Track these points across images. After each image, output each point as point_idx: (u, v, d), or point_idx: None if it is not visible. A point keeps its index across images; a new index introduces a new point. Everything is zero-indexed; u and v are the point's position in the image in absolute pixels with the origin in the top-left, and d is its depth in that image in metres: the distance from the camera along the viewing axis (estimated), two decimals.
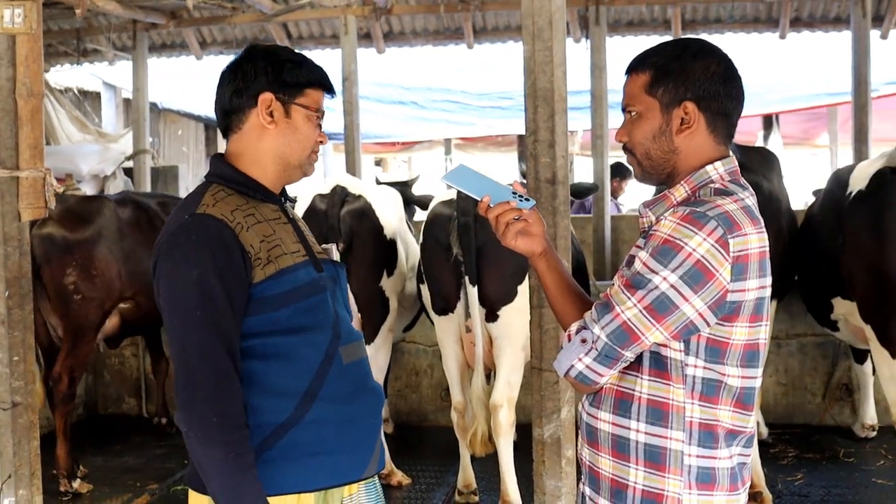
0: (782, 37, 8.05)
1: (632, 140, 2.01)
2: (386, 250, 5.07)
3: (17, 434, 3.50)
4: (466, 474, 4.95)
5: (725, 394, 1.89)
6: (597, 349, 1.87)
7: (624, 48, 8.17)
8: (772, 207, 4.53)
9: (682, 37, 2.23)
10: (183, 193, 8.58)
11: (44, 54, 9.34)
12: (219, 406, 1.92)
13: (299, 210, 5.07)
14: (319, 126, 2.15)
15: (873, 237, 4.35)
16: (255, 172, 2.13)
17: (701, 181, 1.94)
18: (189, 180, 9.20)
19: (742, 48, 8.37)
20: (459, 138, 11.79)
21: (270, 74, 2.09)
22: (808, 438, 5.91)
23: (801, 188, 8.22)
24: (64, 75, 10.12)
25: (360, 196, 5.03)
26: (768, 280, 1.91)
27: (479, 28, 8.45)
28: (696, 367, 1.88)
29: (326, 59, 9.14)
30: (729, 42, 8.43)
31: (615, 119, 8.84)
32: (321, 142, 2.16)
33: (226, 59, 8.26)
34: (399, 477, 5.27)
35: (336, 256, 2.31)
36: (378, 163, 16.93)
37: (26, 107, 3.47)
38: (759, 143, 9.83)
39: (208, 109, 9.66)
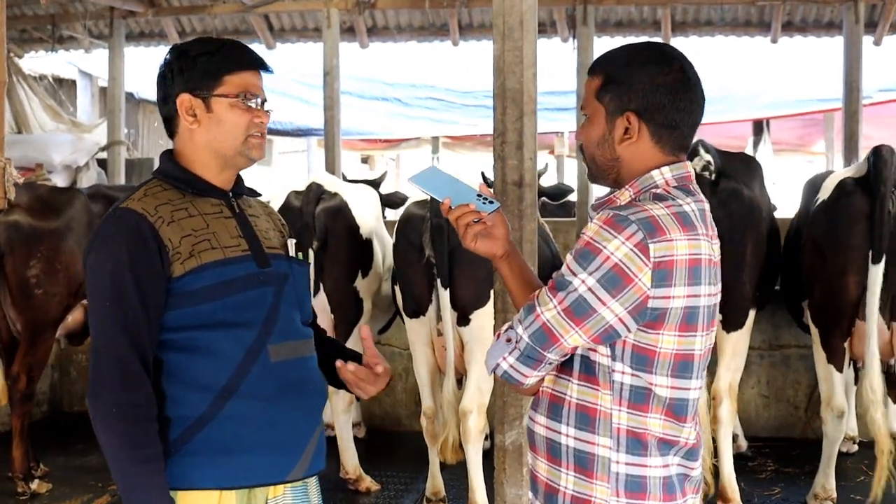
0: (774, 41, 8.08)
1: (584, 143, 2.04)
2: (361, 250, 5.08)
3: None
4: (435, 482, 4.95)
5: (655, 402, 1.90)
6: (520, 349, 1.90)
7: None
8: (752, 215, 4.58)
9: (647, 40, 2.21)
10: None
11: (17, 40, 9.30)
12: (119, 397, 1.97)
13: (274, 206, 5.07)
14: (254, 106, 2.13)
15: (826, 245, 4.56)
16: (196, 168, 2.17)
17: (645, 185, 1.95)
18: None
19: (733, 52, 8.40)
20: (447, 137, 11.80)
21: (185, 74, 2.12)
22: (788, 452, 5.94)
23: (795, 196, 8.25)
24: (39, 62, 10.09)
25: (335, 194, 5.04)
26: (706, 289, 1.89)
27: (464, 25, 8.45)
28: (623, 373, 1.89)
29: (309, 52, 9.14)
30: (720, 46, 8.48)
31: None
32: (260, 121, 2.15)
33: None
34: (368, 483, 5.28)
35: (293, 252, 2.31)
36: (365, 160, 16.92)
37: None
38: (749, 148, 9.87)
39: None
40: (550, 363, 1.91)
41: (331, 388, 5.11)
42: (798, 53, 8.79)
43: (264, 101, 2.18)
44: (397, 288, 4.91)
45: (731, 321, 4.57)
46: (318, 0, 8.08)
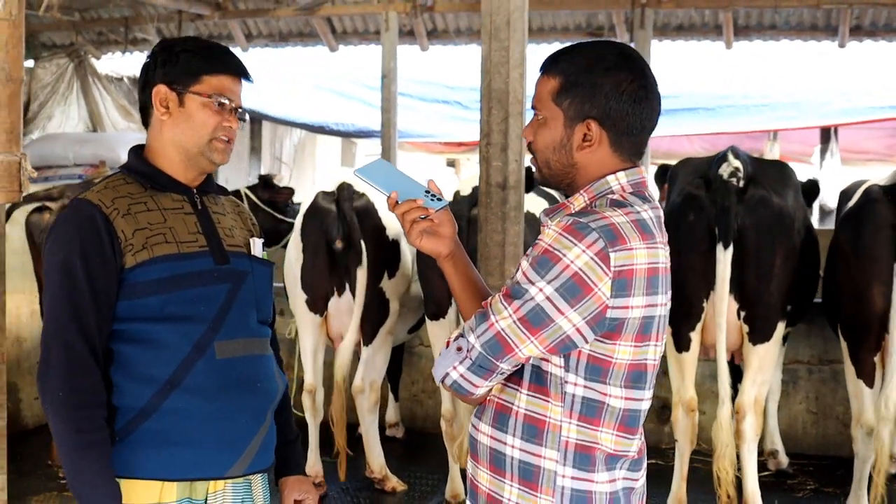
0: (842, 45, 7.82)
1: (535, 144, 1.97)
2: (387, 251, 5.09)
3: None
4: (455, 485, 4.94)
5: (608, 416, 1.85)
6: (471, 358, 1.85)
7: (674, 53, 8.06)
8: (782, 223, 4.43)
9: (604, 39, 2.16)
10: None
11: (95, 42, 9.64)
12: (66, 383, 2.02)
13: (304, 208, 5.14)
14: (227, 112, 2.16)
15: (851, 254, 4.44)
16: (162, 163, 2.21)
17: (601, 191, 1.90)
18: (229, 173, 9.39)
19: (799, 56, 8.16)
20: None
21: (165, 66, 2.17)
22: (833, 472, 5.71)
23: None
24: (117, 64, 10.44)
25: (363, 195, 5.06)
26: (662, 298, 1.86)
27: None
28: (576, 384, 1.84)
29: (371, 54, 9.23)
30: (785, 50, 8.24)
31: (658, 126, 8.72)
32: (229, 126, 2.18)
33: (271, 52, 8.40)
34: (394, 483, 5.28)
35: (258, 252, 2.32)
36: (451, 163, 16.96)
37: (4, 91, 3.55)
38: (816, 157, 9.57)
39: (253, 102, 9.90)
40: (502, 373, 1.86)
41: (357, 386, 5.13)
42: (870, 58, 8.48)
43: (238, 108, 2.21)
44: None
45: (757, 333, 4.43)
46: (377, 3, 8.16)
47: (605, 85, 1.86)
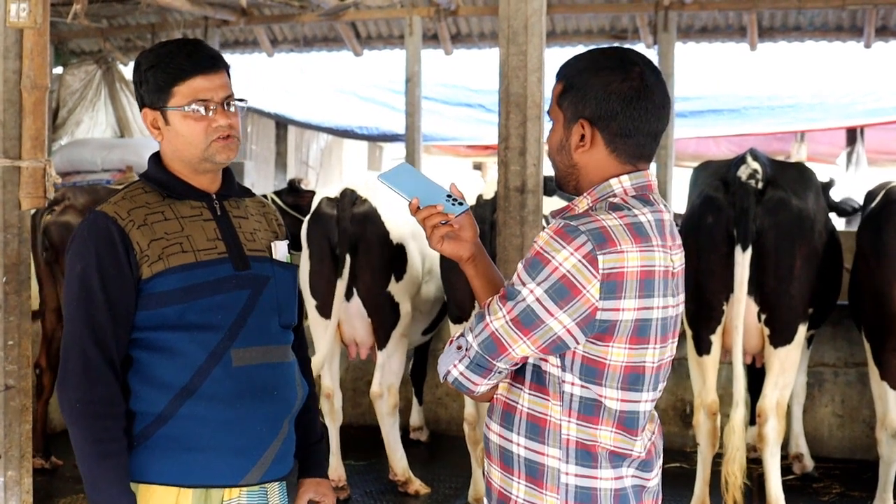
0: (867, 46, 7.76)
1: (548, 149, 2.02)
2: (392, 255, 5.09)
3: (9, 416, 3.66)
4: (478, 487, 4.96)
5: (605, 415, 1.88)
6: (469, 357, 1.90)
7: (698, 55, 8.03)
8: (801, 226, 4.41)
9: (612, 45, 2.17)
10: None
11: (122, 48, 9.73)
12: (83, 392, 2.06)
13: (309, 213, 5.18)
14: (209, 112, 2.12)
15: (872, 254, 4.41)
16: (175, 169, 2.22)
17: (603, 194, 1.92)
18: (255, 178, 9.46)
19: (824, 57, 8.10)
20: None
21: (142, 88, 2.18)
22: (859, 475, 5.67)
23: None
24: None
25: (365, 200, 5.06)
26: (660, 301, 1.87)
27: (546, 31, 8.41)
28: (573, 384, 1.87)
29: (396, 59, 9.27)
30: (810, 51, 8.19)
31: (682, 128, 8.70)
32: (219, 124, 2.13)
33: (296, 58, 8.45)
34: (417, 485, 5.30)
35: (281, 255, 2.31)
36: (477, 167, 16.96)
37: (30, 98, 3.64)
38: (842, 158, 9.50)
39: (279, 106, 9.97)
40: (500, 372, 1.90)
41: (374, 391, 5.14)
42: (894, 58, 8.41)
43: (227, 98, 2.16)
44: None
45: (777, 336, 4.42)
46: (401, 8, 8.20)
47: (596, 85, 1.89)
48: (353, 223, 4.96)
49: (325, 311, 5.07)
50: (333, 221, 4.96)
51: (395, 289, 5.07)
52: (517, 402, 1.93)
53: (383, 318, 5.03)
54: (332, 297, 4.99)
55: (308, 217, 5.18)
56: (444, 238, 1.99)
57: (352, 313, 5.04)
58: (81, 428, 2.06)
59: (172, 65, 2.14)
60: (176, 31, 9.14)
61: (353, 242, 4.94)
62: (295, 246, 6.91)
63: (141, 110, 2.21)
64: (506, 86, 2.99)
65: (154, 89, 2.14)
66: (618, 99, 1.88)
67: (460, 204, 2.01)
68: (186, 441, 2.10)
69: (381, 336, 5.02)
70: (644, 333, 1.86)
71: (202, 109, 2.13)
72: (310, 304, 5.14)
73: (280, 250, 2.32)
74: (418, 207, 2.00)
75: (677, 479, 5.27)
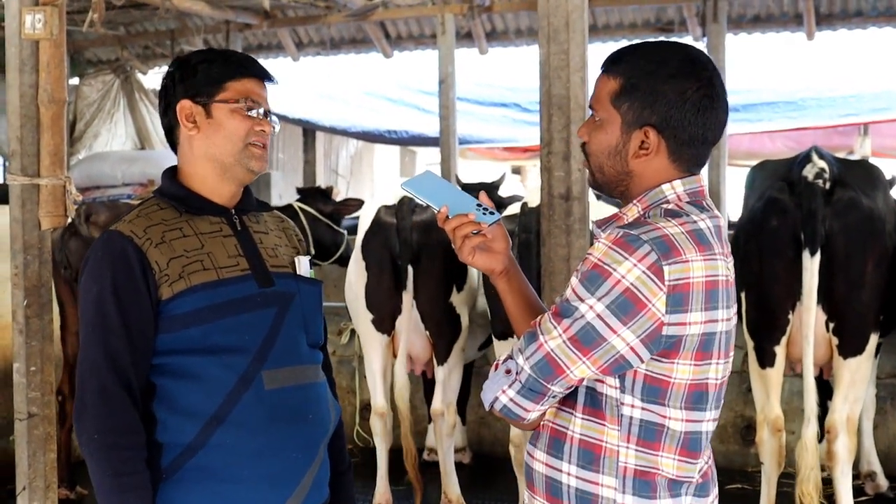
0: None
1: (589, 146, 1.97)
2: (454, 264, 5.09)
3: (33, 445, 3.72)
4: None
5: (668, 440, 1.84)
6: (521, 381, 1.84)
7: (750, 46, 7.96)
8: (872, 227, 4.35)
9: (673, 41, 2.13)
10: (276, 201, 8.88)
11: (141, 56, 9.83)
12: (100, 423, 2.05)
13: (364, 223, 5.18)
14: (257, 114, 2.19)
15: None
16: (195, 184, 2.22)
17: (655, 201, 1.89)
18: (282, 187, 9.52)
19: (888, 44, 7.99)
20: None
21: (185, 81, 2.20)
22: None
23: None
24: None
25: (426, 207, 5.06)
26: (723, 313, 1.84)
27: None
28: (633, 406, 1.84)
29: (426, 60, 9.29)
30: (873, 38, 8.07)
31: (734, 123, 8.58)
32: (262, 130, 2.20)
33: (323, 61, 8.48)
34: None
35: (305, 271, 2.32)
36: (516, 171, 16.94)
37: (47, 113, 3.69)
38: None
39: (306, 113, 10.02)
40: (554, 396, 1.86)
41: (436, 409, 5.14)
42: None
43: (268, 112, 2.23)
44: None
45: (848, 346, 4.35)
46: (433, 6, 8.20)
47: (668, 92, 1.85)
48: (416, 232, 4.95)
49: (382, 325, 5.05)
50: (393, 230, 4.95)
51: (457, 300, 5.06)
52: (567, 428, 1.89)
53: (444, 330, 5.02)
54: (391, 310, 4.98)
55: (365, 227, 5.16)
56: (475, 249, 1.97)
57: (409, 327, 5.05)
58: (100, 461, 2.06)
59: (231, 61, 2.22)
60: (196, 37, 9.22)
61: (415, 252, 4.94)
62: (324, 256, 6.94)
63: (175, 105, 2.20)
64: (547, 87, 2.98)
65: (205, 81, 2.18)
66: (692, 109, 1.85)
67: (492, 213, 1.99)
68: (218, 472, 2.09)
69: (442, 350, 5.01)
70: (709, 348, 1.83)
71: (251, 110, 2.18)
72: (363, 318, 5.12)
73: (303, 266, 2.33)
74: (447, 217, 1.98)
75: (738, 500, 5.21)
